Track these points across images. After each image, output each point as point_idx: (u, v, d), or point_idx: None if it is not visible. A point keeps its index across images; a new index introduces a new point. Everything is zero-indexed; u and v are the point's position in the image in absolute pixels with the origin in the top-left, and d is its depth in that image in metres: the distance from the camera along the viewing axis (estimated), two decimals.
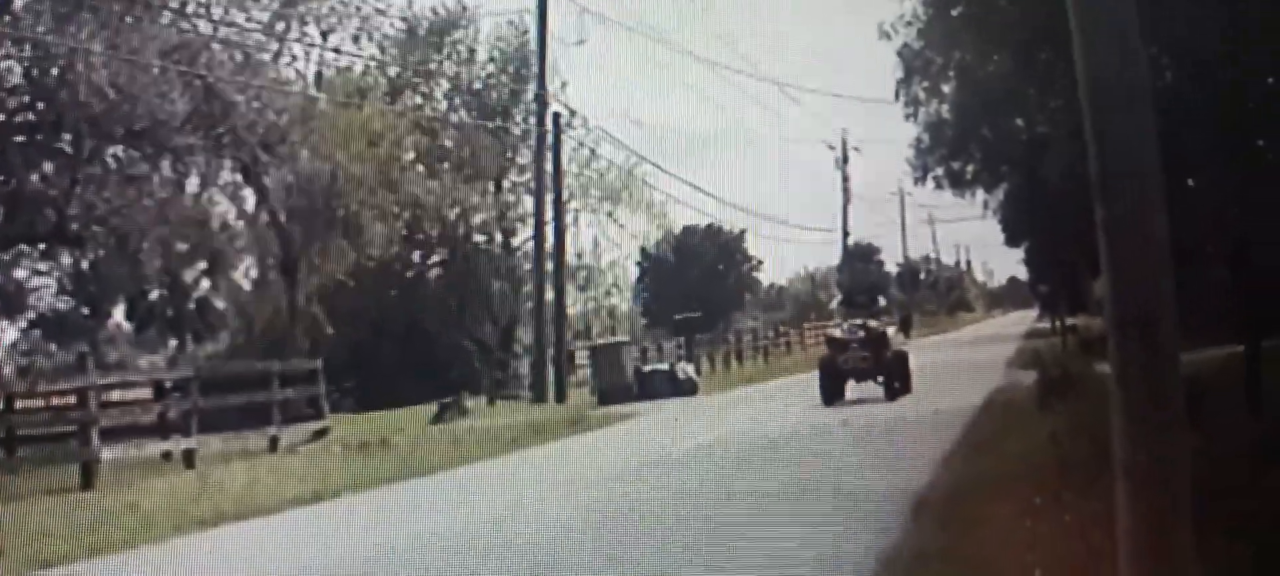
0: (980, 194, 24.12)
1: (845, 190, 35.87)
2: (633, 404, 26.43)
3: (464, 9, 28.39)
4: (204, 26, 23.35)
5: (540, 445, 21.50)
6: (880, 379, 23.46)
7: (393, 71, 27.96)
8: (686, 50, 34.12)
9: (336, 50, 25.91)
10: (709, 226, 34.52)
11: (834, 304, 29.06)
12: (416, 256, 28.89)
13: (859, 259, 36.84)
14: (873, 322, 24.16)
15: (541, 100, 28.43)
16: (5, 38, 20.59)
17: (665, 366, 29.18)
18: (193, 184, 22.58)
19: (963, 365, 28.56)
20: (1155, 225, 5.98)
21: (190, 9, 23.10)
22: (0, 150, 21.25)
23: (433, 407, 24.85)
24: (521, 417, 24.83)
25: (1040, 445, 12.81)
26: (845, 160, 35.32)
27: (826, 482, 13.68)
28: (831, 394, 23.29)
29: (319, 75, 25.90)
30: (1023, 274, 34.49)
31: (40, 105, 21.31)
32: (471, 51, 29.33)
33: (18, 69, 21.11)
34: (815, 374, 23.98)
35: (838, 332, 24.07)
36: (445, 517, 13.67)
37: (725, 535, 11.38)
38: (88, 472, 18.04)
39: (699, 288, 33.66)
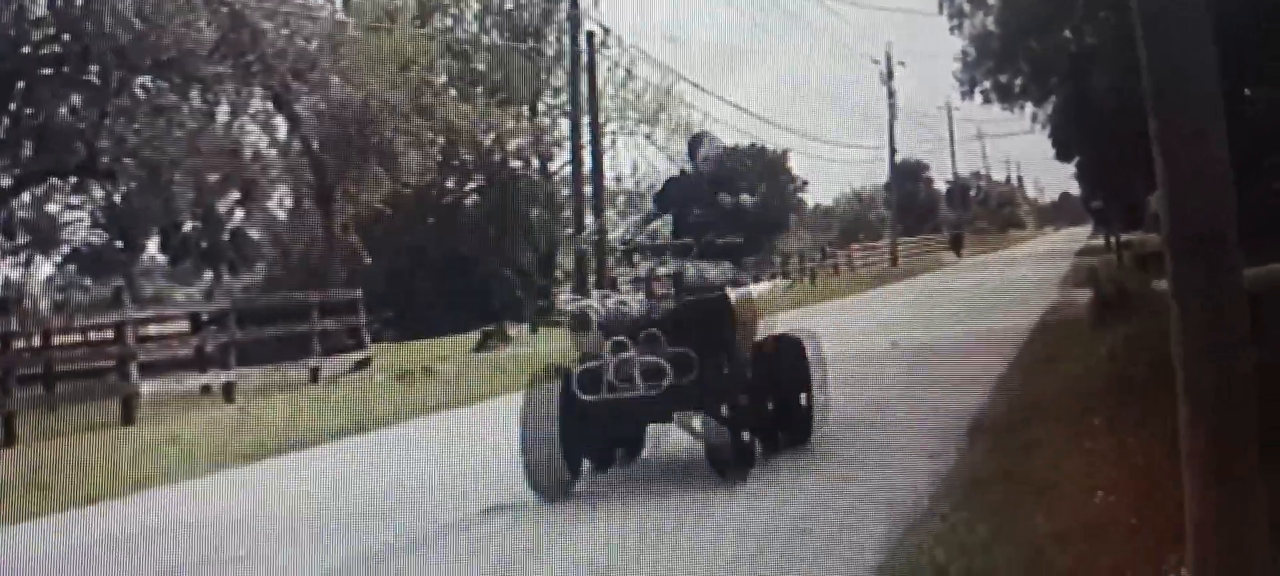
0: (1029, 107, 24.34)
1: (891, 106, 34.99)
2: None
3: None
4: None
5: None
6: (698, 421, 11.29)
7: None
8: None
9: None
10: (751, 146, 33.80)
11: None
12: (453, 183, 28.40)
13: (907, 176, 36.15)
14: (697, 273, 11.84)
15: (574, 19, 27.77)
16: None
17: None
18: (223, 114, 22.14)
19: (1015, 283, 27.95)
20: (1213, 137, 5.75)
21: None
22: (28, 83, 20.96)
23: (475, 336, 24.63)
24: (564, 344, 24.65)
25: (1097, 365, 12.87)
26: (890, 76, 34.44)
27: (877, 407, 13.47)
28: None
29: None
30: (1075, 189, 33.90)
31: (66, 37, 20.95)
32: None
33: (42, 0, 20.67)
34: (867, 296, 22.82)
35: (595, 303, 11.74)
36: (492, 445, 13.52)
37: (783, 460, 11.32)
38: (127, 407, 17.96)
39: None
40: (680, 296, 11.17)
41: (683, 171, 13.00)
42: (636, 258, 11.82)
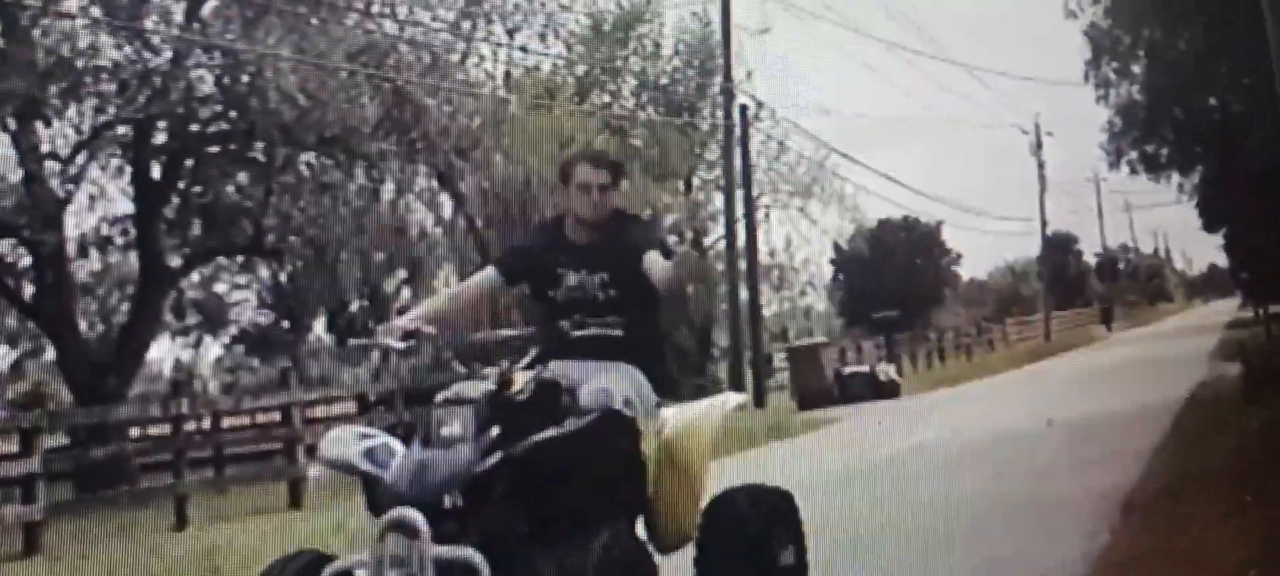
0: (1176, 177, 24.01)
1: (1041, 177, 34.38)
2: (833, 408, 25.29)
3: (647, 2, 27.39)
4: (390, 27, 22.64)
5: (742, 452, 20.48)
6: None
7: (580, 70, 27.07)
8: (871, 34, 33.06)
9: (524, 49, 25.05)
10: (904, 218, 33.25)
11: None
12: None
13: (1058, 249, 35.58)
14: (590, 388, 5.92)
15: (727, 93, 27.39)
16: (196, 45, 20.08)
17: (865, 368, 28.09)
18: (388, 191, 21.85)
19: (1165, 358, 27.16)
20: None
21: (375, 9, 22.41)
22: (195, 161, 20.85)
23: None
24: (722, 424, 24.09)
25: (1249, 439, 12.45)
26: (1039, 145, 33.84)
27: (1033, 486, 13.14)
28: None
29: (507, 75, 25.16)
30: (1223, 261, 33.14)
31: (232, 114, 20.76)
32: (656, 45, 28.36)
33: (209, 77, 20.56)
34: (1022, 372, 22.27)
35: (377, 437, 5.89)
36: None
37: (940, 546, 10.59)
38: (295, 491, 17.53)
39: (896, 283, 32.33)
40: (542, 426, 5.52)
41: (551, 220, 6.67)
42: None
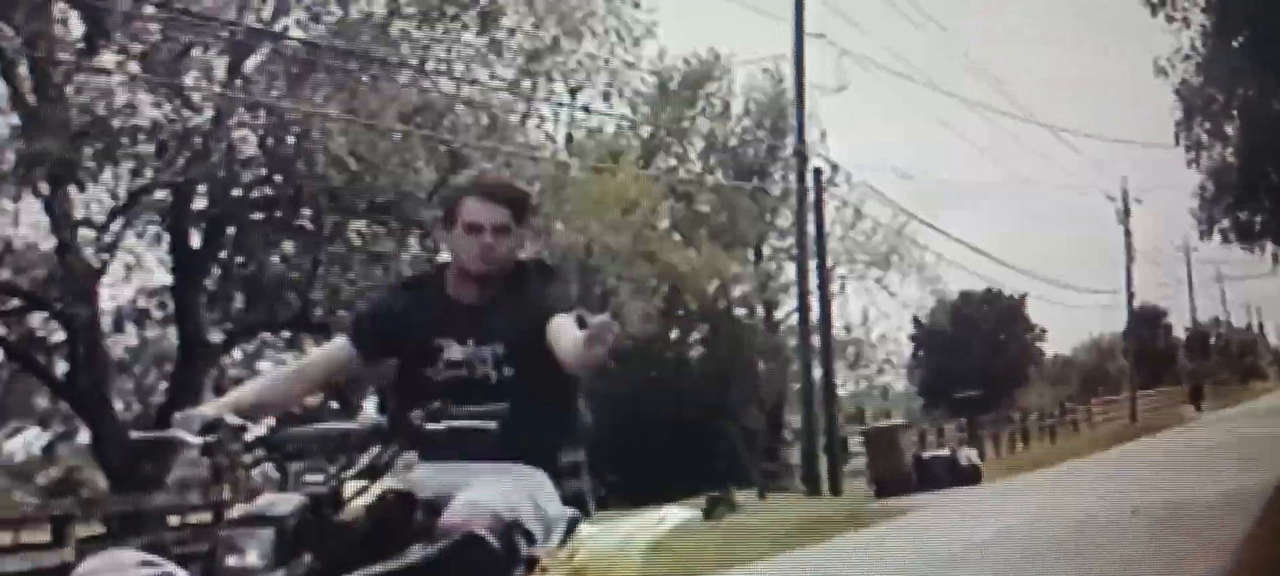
0: (1270, 247, 23.50)
1: (1128, 247, 33.09)
2: (912, 495, 24.08)
3: (717, 58, 26.28)
4: (446, 85, 21.49)
5: (817, 543, 19.27)
6: None
7: (645, 131, 26.00)
8: (952, 93, 31.78)
9: (586, 109, 24.03)
10: (987, 290, 31.91)
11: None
12: (675, 333, 26.73)
13: (1145, 323, 34.26)
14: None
15: (801, 155, 26.08)
16: (239, 103, 18.94)
17: (945, 452, 26.78)
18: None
19: (1257, 439, 25.95)
20: None
21: (430, 66, 21.27)
22: (238, 228, 19.82)
23: (700, 501, 22.70)
24: (795, 513, 22.88)
25: None
26: (1126, 212, 32.49)
27: None
28: None
29: (569, 138, 24.22)
30: None
31: (277, 177, 19.70)
32: (726, 105, 27.44)
33: (252, 138, 19.48)
34: (1106, 455, 21.13)
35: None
36: None
37: None
38: None
39: (979, 361, 30.94)
40: (376, 557, 3.93)
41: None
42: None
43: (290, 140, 19.51)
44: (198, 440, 4.20)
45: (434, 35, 20.91)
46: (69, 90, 18.31)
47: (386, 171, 19.67)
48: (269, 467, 4.16)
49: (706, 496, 22.92)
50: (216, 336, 20.12)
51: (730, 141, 27.30)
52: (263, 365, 20.45)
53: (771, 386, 27.40)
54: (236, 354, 21.23)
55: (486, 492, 4.08)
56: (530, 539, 4.13)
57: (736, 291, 27.35)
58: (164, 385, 21.12)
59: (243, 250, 20.08)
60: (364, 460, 4.02)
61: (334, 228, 20.04)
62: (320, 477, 3.93)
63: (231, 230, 20.03)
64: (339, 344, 4.70)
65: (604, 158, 24.39)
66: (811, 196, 26.31)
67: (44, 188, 18.22)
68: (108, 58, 18.56)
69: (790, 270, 27.36)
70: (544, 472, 4.47)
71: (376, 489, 3.98)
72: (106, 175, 19.12)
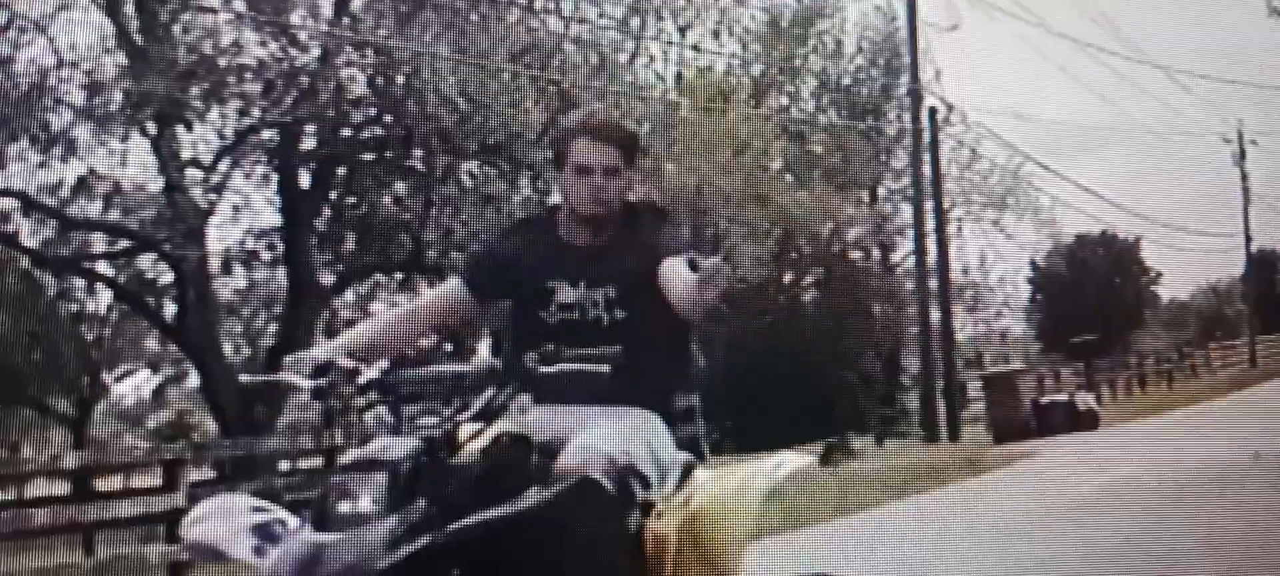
0: None
1: (1244, 190, 32.14)
2: (1030, 441, 23.68)
3: None
4: (554, 24, 21.26)
5: (937, 489, 19.21)
6: None
7: (756, 70, 25.55)
8: (1065, 34, 31.00)
9: (696, 48, 23.80)
10: (1102, 234, 31.23)
11: None
12: (788, 277, 26.35)
13: (1264, 267, 33.47)
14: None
15: (915, 94, 25.53)
16: (347, 42, 18.69)
17: (1063, 397, 26.25)
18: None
19: None
20: None
21: (538, 4, 21.00)
22: (348, 169, 19.68)
23: (817, 447, 22.40)
24: (914, 459, 22.66)
25: None
26: (1242, 155, 31.58)
27: (1244, 526, 12.19)
28: None
29: (679, 77, 23.80)
30: None
31: (387, 118, 19.51)
32: (838, 43, 26.87)
33: (361, 77, 19.32)
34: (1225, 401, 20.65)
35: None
36: None
37: None
38: None
39: (1095, 305, 30.37)
40: (490, 501, 3.80)
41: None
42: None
43: (400, 80, 19.30)
44: (309, 383, 4.23)
45: None
46: (175, 29, 18.28)
47: (496, 111, 19.43)
48: (382, 411, 4.11)
49: (823, 442, 22.68)
50: (327, 278, 20.06)
51: (843, 80, 26.77)
52: (375, 307, 20.34)
53: (888, 331, 26.92)
54: (348, 296, 21.11)
55: (601, 436, 4.11)
56: (645, 483, 4.15)
57: (851, 234, 26.88)
58: (273, 327, 21.06)
59: (353, 191, 19.93)
60: (478, 403, 3.95)
61: (445, 168, 19.78)
62: (434, 421, 3.87)
63: (341, 171, 19.91)
64: (453, 286, 4.70)
65: (714, 97, 23.86)
66: (927, 137, 25.78)
67: (151, 127, 18.27)
68: None
69: (906, 212, 26.81)
70: (658, 417, 4.43)
71: (491, 432, 3.91)
72: (213, 115, 19.05)
